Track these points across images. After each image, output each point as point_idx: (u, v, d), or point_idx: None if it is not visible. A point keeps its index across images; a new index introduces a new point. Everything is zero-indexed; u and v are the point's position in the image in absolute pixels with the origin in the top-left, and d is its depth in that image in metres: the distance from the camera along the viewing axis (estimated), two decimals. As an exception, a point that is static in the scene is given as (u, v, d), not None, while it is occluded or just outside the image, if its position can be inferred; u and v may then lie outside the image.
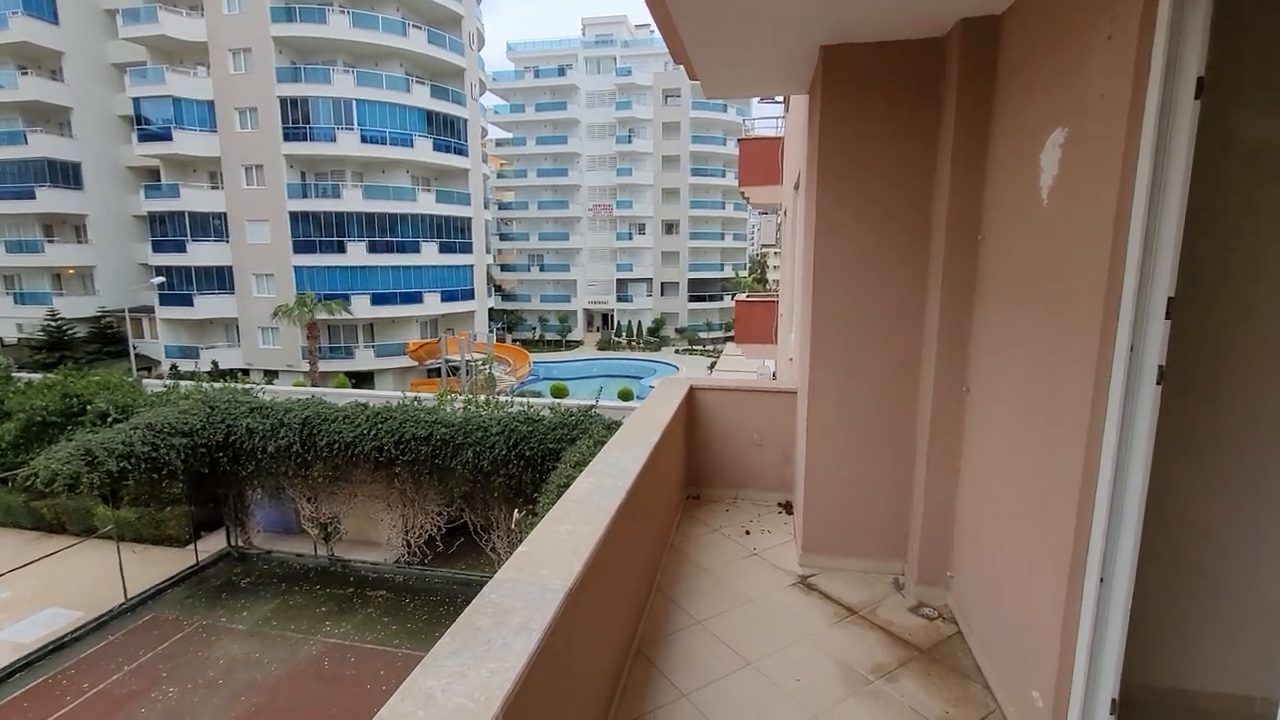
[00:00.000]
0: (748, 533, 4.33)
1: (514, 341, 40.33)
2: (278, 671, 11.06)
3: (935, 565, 3.47)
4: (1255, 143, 2.44)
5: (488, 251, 36.56)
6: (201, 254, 28.85)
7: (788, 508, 4.72)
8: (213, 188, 29.11)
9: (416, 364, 28.48)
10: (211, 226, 28.91)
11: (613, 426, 11.76)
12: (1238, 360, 2.51)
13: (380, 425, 12.68)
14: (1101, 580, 2.12)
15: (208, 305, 29.18)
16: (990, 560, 2.97)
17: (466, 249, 33.36)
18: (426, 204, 31.06)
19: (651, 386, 5.53)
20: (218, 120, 28.16)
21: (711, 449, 4.93)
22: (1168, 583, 2.56)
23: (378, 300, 29.54)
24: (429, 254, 31.12)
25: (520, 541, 2.23)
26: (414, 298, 30.58)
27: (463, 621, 1.75)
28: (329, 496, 13.83)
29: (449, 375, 24.45)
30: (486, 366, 22.72)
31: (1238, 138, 2.42)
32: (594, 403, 12.78)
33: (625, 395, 23.79)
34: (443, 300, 31.72)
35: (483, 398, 14.58)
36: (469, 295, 33.48)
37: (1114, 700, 2.15)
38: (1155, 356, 1.95)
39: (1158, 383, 1.96)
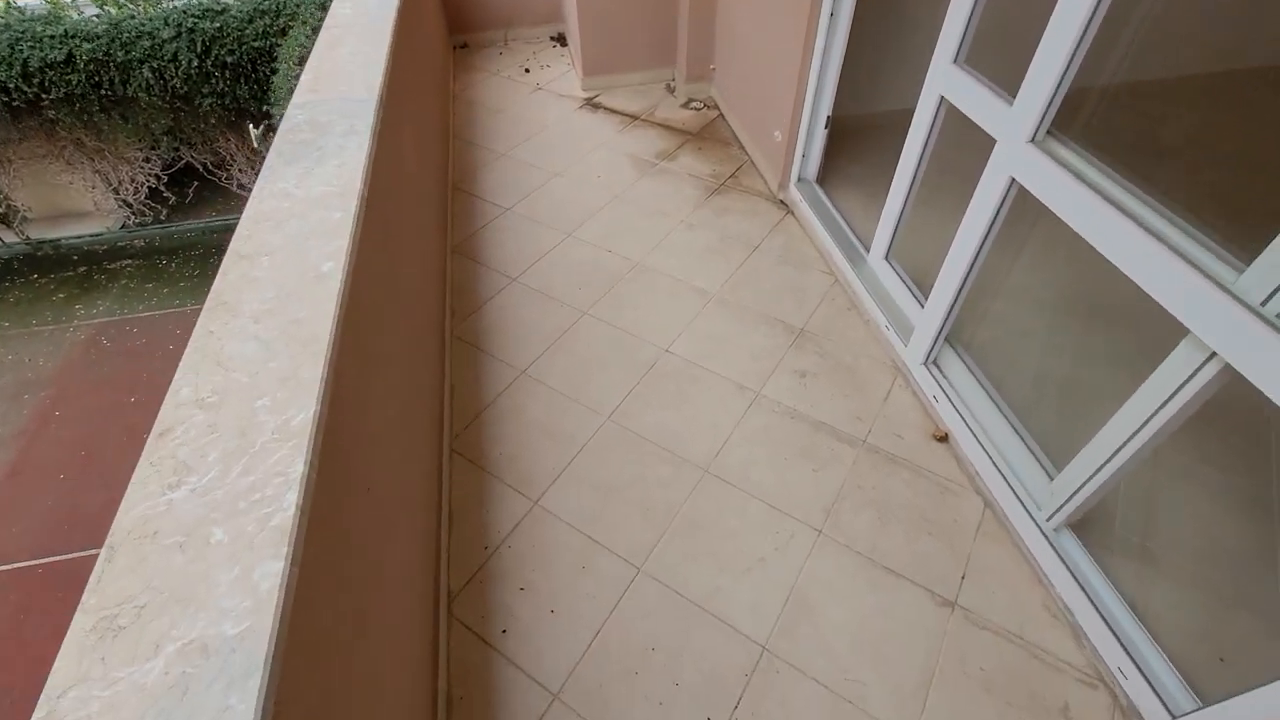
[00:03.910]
0: (527, 70, 4.26)
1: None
2: (48, 364, 10.01)
3: (700, 62, 3.83)
4: None
5: None
6: None
7: (561, 39, 4.59)
8: None
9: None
10: None
11: (328, 3, 9.46)
12: None
13: (-26, 54, 8.89)
14: (832, 15, 2.55)
15: None
16: (745, 36, 3.33)
17: None
18: None
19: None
20: None
21: (467, -16, 4.33)
22: (865, 25, 3.11)
23: None
24: None
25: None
26: None
27: (281, 139, 1.69)
28: (-33, 170, 10.38)
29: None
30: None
31: None
32: (289, -25, 9.84)
33: (326, -33, 18.36)
34: None
35: (118, -9, 10.40)
36: None
37: (828, 118, 2.86)
38: None
39: None
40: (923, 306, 2.23)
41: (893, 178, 2.34)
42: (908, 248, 2.49)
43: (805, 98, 2.81)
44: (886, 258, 2.51)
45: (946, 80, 1.97)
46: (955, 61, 1.94)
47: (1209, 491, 1.93)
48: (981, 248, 1.88)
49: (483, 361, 2.39)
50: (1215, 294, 1.23)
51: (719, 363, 2.37)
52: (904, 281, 2.43)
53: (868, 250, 2.65)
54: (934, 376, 2.18)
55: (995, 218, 1.80)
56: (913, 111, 2.19)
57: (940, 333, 2.14)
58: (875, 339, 2.47)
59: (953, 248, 1.98)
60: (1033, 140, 1.62)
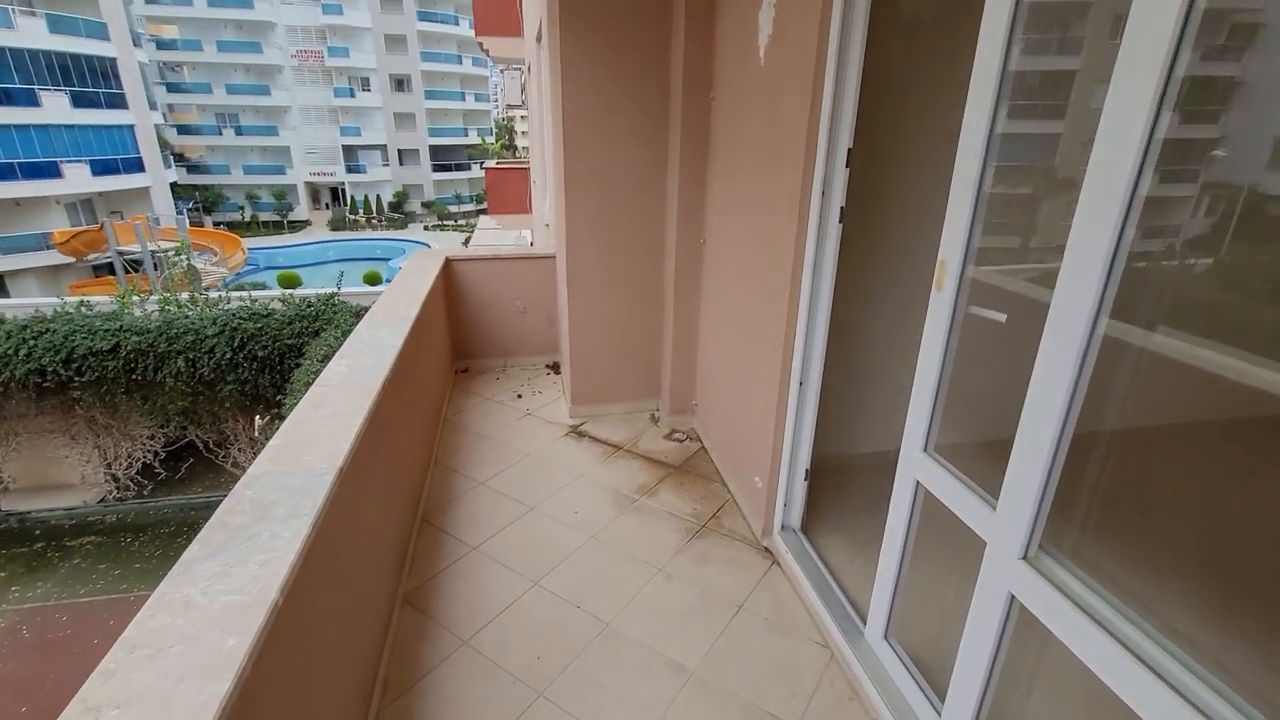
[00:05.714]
0: (520, 396, 4.49)
1: (218, 225, 33.01)
2: (-53, 659, 8.77)
3: (683, 397, 4.05)
4: (909, 18, 2.94)
5: (154, 107, 27.99)
6: None
7: (555, 368, 4.97)
8: None
9: (74, 259, 21.85)
10: None
11: (363, 313, 10.72)
12: (896, 202, 3.14)
13: (32, 342, 9.74)
14: (801, 384, 2.71)
15: None
16: (722, 384, 3.55)
17: (117, 102, 25.22)
18: (34, 34, 22.26)
19: (401, 268, 5.05)
20: None
21: (476, 321, 4.85)
22: (837, 379, 3.35)
23: (-19, 175, 21.38)
24: (56, 109, 22.91)
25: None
26: (46, 170, 22.69)
27: (214, 524, 1.57)
28: (-29, 443, 10.56)
29: (129, 271, 19.30)
30: (182, 257, 18.39)
31: (901, 12, 2.88)
32: (336, 289, 11.40)
33: (372, 279, 21.64)
34: (95, 173, 24.11)
35: (185, 296, 11.97)
36: (135, 166, 25.93)
37: (807, 470, 2.85)
38: (839, 199, 2.39)
39: (840, 221, 2.43)
40: (939, 714, 1.87)
41: (881, 533, 2.19)
42: (908, 620, 2.22)
43: (783, 451, 2.84)
44: (886, 637, 2.23)
45: (920, 467, 1.95)
46: (925, 450, 1.94)
47: None
48: (994, 665, 1.63)
49: (403, 769, 1.92)
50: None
51: (697, 780, 1.91)
52: (910, 673, 2.10)
53: (864, 621, 2.37)
54: (969, 823, 1.72)
55: (1002, 636, 1.58)
56: (891, 453, 2.11)
57: (966, 762, 1.74)
58: (887, 748, 2.04)
59: (961, 658, 1.72)
60: (1025, 558, 1.50)
